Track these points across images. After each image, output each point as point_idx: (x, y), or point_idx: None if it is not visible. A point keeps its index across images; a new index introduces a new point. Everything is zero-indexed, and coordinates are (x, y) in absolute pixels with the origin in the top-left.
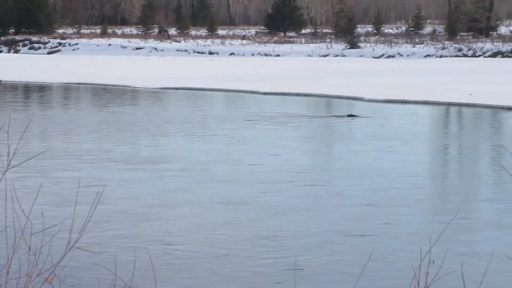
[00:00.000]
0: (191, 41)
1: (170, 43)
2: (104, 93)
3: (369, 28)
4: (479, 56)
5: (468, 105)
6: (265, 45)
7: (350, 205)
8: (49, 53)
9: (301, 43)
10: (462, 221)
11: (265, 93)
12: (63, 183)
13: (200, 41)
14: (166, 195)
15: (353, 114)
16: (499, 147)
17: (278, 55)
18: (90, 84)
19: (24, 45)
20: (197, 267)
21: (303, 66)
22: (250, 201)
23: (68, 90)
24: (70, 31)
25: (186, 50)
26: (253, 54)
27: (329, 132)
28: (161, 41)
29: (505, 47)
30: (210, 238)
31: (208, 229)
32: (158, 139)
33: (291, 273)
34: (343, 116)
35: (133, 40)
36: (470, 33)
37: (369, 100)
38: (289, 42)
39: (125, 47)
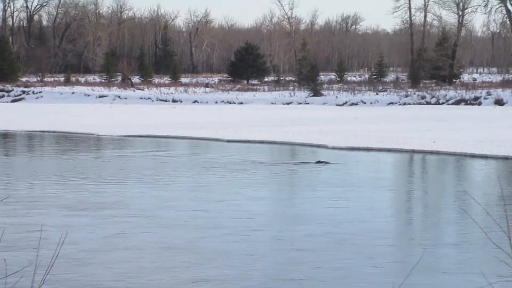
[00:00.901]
0: (154, 89)
1: (134, 91)
2: (67, 141)
3: (332, 75)
4: (442, 103)
5: (431, 152)
6: (228, 93)
7: (286, 250)
8: (12, 101)
9: (264, 90)
10: (418, 265)
11: (228, 141)
12: (1, 229)
13: (163, 89)
14: (105, 240)
15: (322, 160)
16: (460, 193)
17: (241, 103)
18: (54, 132)
19: None
20: None
21: (267, 114)
22: (187, 246)
23: (32, 138)
24: (33, 79)
25: (149, 98)
26: (216, 102)
27: (285, 179)
28: (125, 89)
29: (468, 94)
30: (143, 283)
31: (143, 274)
32: (111, 186)
33: None
34: (308, 163)
35: (96, 88)
36: (433, 80)
37: (333, 148)
38: (252, 90)
39: (88, 95)
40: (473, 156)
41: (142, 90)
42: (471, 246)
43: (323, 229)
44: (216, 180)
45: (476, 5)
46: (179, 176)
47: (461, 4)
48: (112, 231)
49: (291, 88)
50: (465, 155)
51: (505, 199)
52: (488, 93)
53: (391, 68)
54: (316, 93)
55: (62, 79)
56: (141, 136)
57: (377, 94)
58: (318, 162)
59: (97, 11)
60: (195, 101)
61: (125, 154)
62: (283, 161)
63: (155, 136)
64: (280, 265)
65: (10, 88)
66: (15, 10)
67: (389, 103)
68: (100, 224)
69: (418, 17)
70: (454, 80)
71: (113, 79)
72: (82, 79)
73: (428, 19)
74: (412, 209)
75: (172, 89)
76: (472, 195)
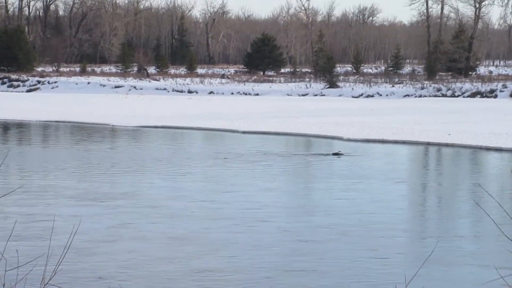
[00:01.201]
0: (170, 79)
1: (149, 81)
2: (81, 132)
3: (349, 67)
4: (458, 96)
5: (447, 145)
6: (244, 84)
7: (291, 241)
8: (28, 91)
9: (280, 82)
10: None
11: (244, 132)
12: (11, 218)
13: (179, 80)
14: (111, 231)
15: (338, 152)
16: (473, 186)
17: (257, 94)
18: (69, 122)
19: (3, 83)
20: None
21: (282, 105)
22: (192, 236)
23: (46, 128)
24: (49, 69)
25: (165, 89)
26: (232, 93)
27: (297, 171)
28: (140, 79)
29: (484, 87)
30: (145, 273)
31: (146, 264)
32: (122, 176)
33: None
34: (322, 155)
35: (112, 78)
36: (449, 73)
37: (348, 139)
38: (269, 81)
39: (104, 85)
40: (488, 148)
41: (158, 80)
42: (483, 239)
43: (329, 220)
44: (228, 171)
45: None
46: (191, 167)
47: None
48: (119, 221)
49: (307, 79)
50: (480, 148)
51: None
52: (504, 86)
53: (408, 60)
54: (332, 84)
55: (77, 69)
56: (156, 127)
57: (393, 86)
58: (335, 154)
59: (114, 1)
60: (211, 92)
61: (139, 144)
62: (296, 153)
63: (170, 127)
64: (283, 256)
65: (26, 78)
66: None
67: (405, 95)
68: (107, 214)
69: (435, 9)
70: (470, 73)
71: (129, 70)
72: (98, 69)
73: (445, 11)
74: (423, 201)
75: (188, 80)
76: (486, 188)
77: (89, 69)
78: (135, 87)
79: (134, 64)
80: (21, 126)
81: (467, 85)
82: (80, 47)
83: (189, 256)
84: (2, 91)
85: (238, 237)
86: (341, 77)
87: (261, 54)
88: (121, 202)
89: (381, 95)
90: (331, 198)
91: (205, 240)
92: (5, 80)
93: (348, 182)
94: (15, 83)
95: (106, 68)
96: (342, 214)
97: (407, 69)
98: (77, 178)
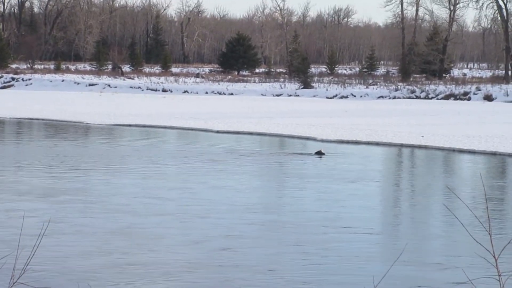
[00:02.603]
0: (145, 78)
1: (124, 79)
2: (55, 129)
3: (323, 68)
4: (432, 98)
5: (420, 146)
6: (219, 84)
7: (220, 237)
8: (2, 87)
9: (254, 82)
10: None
11: (218, 132)
12: None
13: (153, 79)
14: (44, 225)
15: (321, 151)
16: (442, 188)
17: (231, 94)
18: (43, 119)
19: None
20: None
21: (257, 105)
22: (123, 231)
23: (19, 126)
24: (23, 66)
25: (139, 87)
26: (206, 93)
27: (255, 170)
28: (115, 77)
29: (458, 89)
30: (68, 266)
31: (70, 258)
32: (79, 173)
33: None
34: (285, 154)
35: (86, 76)
36: (423, 75)
37: (322, 140)
38: (243, 81)
39: (78, 83)
40: (461, 151)
41: (132, 79)
42: (453, 243)
43: (267, 217)
44: (184, 169)
45: (468, 0)
46: (149, 165)
47: None
48: (57, 215)
49: (282, 80)
50: (453, 150)
51: (486, 195)
52: (478, 89)
53: (382, 62)
54: (307, 85)
55: (52, 66)
56: (130, 125)
57: (367, 87)
58: (317, 153)
59: None
60: (185, 91)
61: (108, 143)
62: (263, 152)
63: (144, 126)
64: (208, 252)
65: (0, 75)
66: None
67: (379, 97)
68: (48, 209)
69: (409, 11)
70: (444, 75)
71: (103, 68)
72: (72, 67)
73: (420, 13)
74: (381, 201)
75: (162, 78)
76: (457, 190)
77: (63, 66)
78: (109, 85)
79: (109, 62)
80: None
81: (441, 87)
82: (54, 45)
83: (114, 250)
84: None
85: (169, 232)
86: (316, 78)
87: (235, 53)
88: (67, 198)
89: (355, 96)
90: (279, 196)
91: (133, 235)
92: None
93: (304, 181)
94: None
95: (81, 66)
96: (284, 211)
97: (381, 70)
98: (32, 174)
